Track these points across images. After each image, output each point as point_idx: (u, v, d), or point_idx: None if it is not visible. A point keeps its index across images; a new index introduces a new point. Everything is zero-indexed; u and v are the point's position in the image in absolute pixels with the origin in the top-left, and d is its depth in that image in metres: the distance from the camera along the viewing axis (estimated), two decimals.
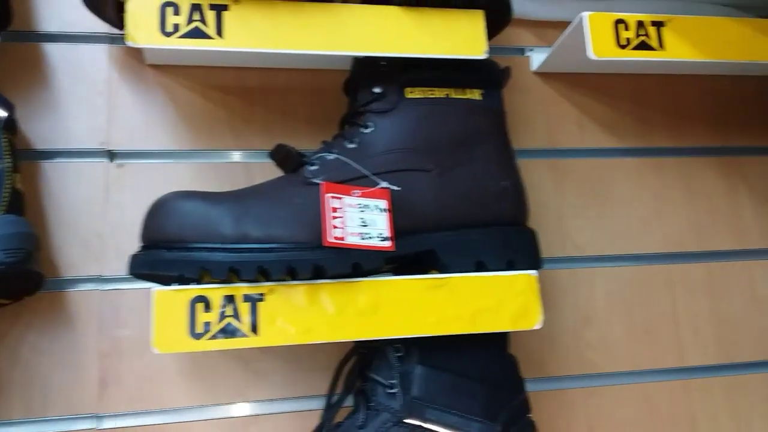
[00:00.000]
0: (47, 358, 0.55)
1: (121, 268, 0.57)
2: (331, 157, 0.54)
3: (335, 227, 0.50)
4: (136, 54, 0.61)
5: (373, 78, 0.56)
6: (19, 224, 0.48)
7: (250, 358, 0.58)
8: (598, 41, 0.60)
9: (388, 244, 0.51)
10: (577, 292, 0.67)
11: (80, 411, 0.55)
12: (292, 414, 0.58)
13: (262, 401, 0.58)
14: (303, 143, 0.59)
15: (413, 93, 0.56)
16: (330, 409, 0.54)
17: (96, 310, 0.56)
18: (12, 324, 0.55)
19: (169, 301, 0.47)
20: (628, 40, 0.61)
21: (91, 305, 0.56)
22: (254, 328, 0.48)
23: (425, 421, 0.50)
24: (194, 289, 0.47)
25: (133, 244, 0.52)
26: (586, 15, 0.61)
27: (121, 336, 0.56)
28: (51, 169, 0.58)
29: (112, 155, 0.59)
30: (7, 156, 0.49)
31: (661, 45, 0.62)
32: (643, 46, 0.62)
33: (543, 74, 0.71)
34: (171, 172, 0.60)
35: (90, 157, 0.59)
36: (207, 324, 0.47)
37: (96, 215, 0.58)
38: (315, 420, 0.56)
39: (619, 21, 0.62)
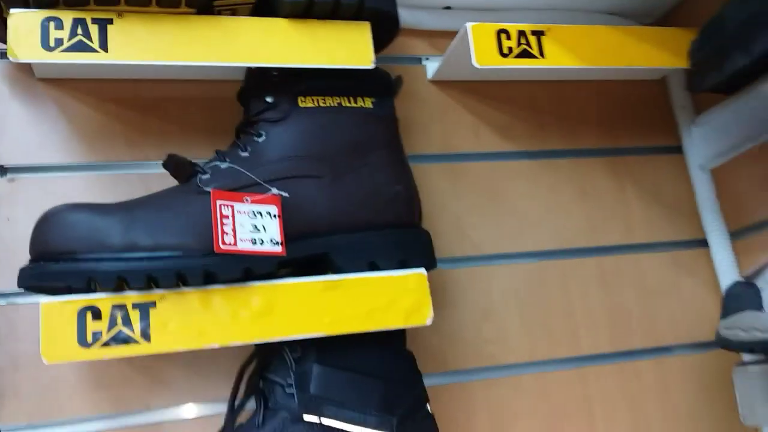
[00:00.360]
0: None
1: (15, 282, 0.56)
2: (224, 165, 0.55)
3: (226, 234, 0.51)
4: (26, 69, 0.61)
5: (265, 88, 0.58)
6: None
7: (151, 366, 0.59)
8: (480, 50, 0.64)
9: (279, 249, 0.53)
10: (476, 289, 0.70)
11: None
12: (196, 419, 0.59)
13: (166, 408, 0.59)
14: (201, 154, 0.61)
15: (305, 102, 0.58)
16: (232, 412, 0.55)
17: None
18: None
19: (57, 311, 0.47)
20: (510, 48, 0.65)
21: None
22: (146, 335, 0.49)
23: (322, 416, 0.52)
24: (82, 300, 0.48)
25: (27, 259, 0.52)
26: (469, 25, 0.64)
27: (18, 349, 0.56)
28: None
29: (3, 170, 0.59)
30: None
31: (541, 53, 0.66)
32: (525, 54, 0.65)
33: (439, 82, 0.74)
34: (66, 185, 0.60)
35: None
36: (97, 333, 0.48)
37: None
38: (220, 424, 0.57)
39: (501, 31, 0.65)
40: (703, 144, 0.76)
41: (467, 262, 0.70)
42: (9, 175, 0.59)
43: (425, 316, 0.56)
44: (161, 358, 0.59)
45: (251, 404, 0.56)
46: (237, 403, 0.56)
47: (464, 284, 0.69)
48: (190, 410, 0.59)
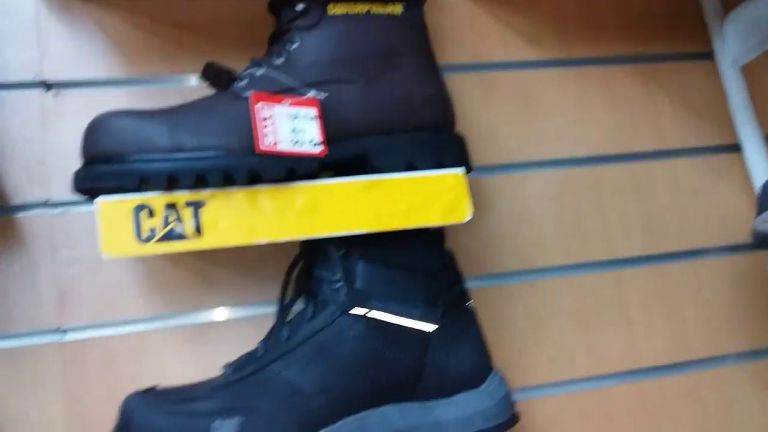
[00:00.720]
0: (5, 278, 0.58)
1: (67, 191, 0.59)
2: (260, 72, 0.56)
3: (267, 135, 0.52)
4: None
5: None
6: None
7: (203, 269, 0.62)
8: None
9: (320, 149, 0.54)
10: (511, 195, 0.71)
11: (42, 326, 0.58)
12: (246, 319, 0.61)
13: (218, 308, 0.61)
14: (235, 67, 0.62)
15: (335, 8, 0.58)
16: (282, 310, 0.57)
17: (47, 232, 0.59)
18: None
19: (114, 209, 0.49)
20: None
21: (42, 228, 0.59)
22: (198, 232, 0.50)
23: (369, 309, 0.54)
24: (137, 198, 0.50)
25: (75, 168, 0.54)
26: None
27: (75, 255, 0.59)
28: None
29: (47, 85, 0.61)
30: None
31: None
32: None
33: None
34: (107, 99, 0.61)
35: (25, 89, 0.61)
36: (152, 229, 0.49)
37: (36, 143, 0.60)
38: (269, 324, 0.60)
39: None
40: (734, 40, 0.75)
41: (502, 170, 0.71)
42: (53, 90, 0.61)
43: (464, 214, 0.57)
44: (213, 261, 0.61)
45: (300, 305, 0.58)
46: (286, 301, 0.58)
47: (499, 191, 0.70)
48: (240, 311, 0.62)
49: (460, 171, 0.58)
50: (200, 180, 0.50)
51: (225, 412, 0.48)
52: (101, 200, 0.49)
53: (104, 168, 0.50)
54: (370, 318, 0.54)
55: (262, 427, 0.49)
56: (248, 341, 0.58)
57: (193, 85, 0.63)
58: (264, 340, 0.55)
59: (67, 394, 0.57)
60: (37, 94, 0.61)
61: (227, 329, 0.61)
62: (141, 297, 0.60)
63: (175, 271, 0.61)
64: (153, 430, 0.47)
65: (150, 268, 0.60)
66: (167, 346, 0.60)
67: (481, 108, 0.72)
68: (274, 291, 0.59)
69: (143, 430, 0.47)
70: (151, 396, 0.50)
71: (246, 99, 0.54)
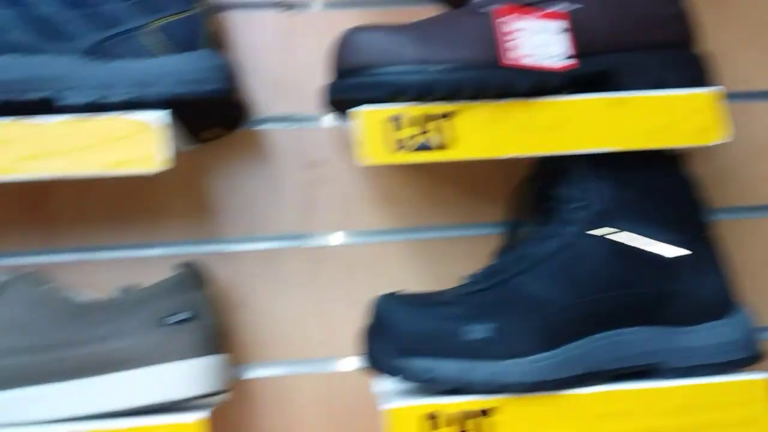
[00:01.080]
0: (253, 186, 0.62)
1: (305, 107, 0.63)
2: None
3: (511, 49, 0.51)
4: None
5: None
6: (224, 58, 0.52)
7: (433, 188, 0.63)
8: None
9: (569, 62, 0.52)
10: (750, 125, 0.65)
11: (288, 231, 0.62)
12: (473, 238, 0.62)
13: (446, 227, 0.63)
14: None
15: None
16: (513, 229, 0.57)
17: (289, 145, 0.63)
18: (223, 155, 0.62)
19: (370, 119, 0.50)
20: None
21: (284, 141, 0.63)
22: (448, 143, 0.50)
23: (613, 230, 0.52)
24: (391, 109, 0.50)
25: (316, 85, 0.56)
26: None
27: (315, 167, 0.63)
28: (232, 20, 0.63)
29: (287, 6, 0.64)
30: (200, 3, 0.53)
31: None
32: None
33: None
34: (340, 19, 0.63)
35: (267, 8, 0.64)
36: (404, 139, 0.50)
37: (279, 61, 0.63)
38: (494, 243, 0.59)
39: None
40: None
41: (738, 99, 0.65)
42: (294, 10, 0.64)
43: (717, 136, 0.53)
44: (441, 180, 0.63)
45: (528, 225, 0.57)
46: (516, 220, 0.57)
47: (738, 120, 0.65)
48: (467, 230, 0.63)
49: (715, 90, 0.54)
50: (449, 92, 0.50)
51: (474, 318, 0.49)
52: (360, 110, 0.50)
53: (356, 80, 0.51)
54: (613, 239, 0.52)
55: (511, 334, 0.49)
56: (475, 258, 0.59)
57: (424, 7, 0.63)
58: (501, 256, 0.55)
59: (311, 294, 0.61)
60: (279, 13, 0.64)
61: (455, 246, 0.62)
62: (375, 211, 0.63)
63: (405, 188, 0.63)
64: (405, 327, 0.49)
65: (383, 184, 0.63)
66: (401, 258, 0.62)
67: (714, 32, 0.66)
68: (499, 211, 0.59)
69: (395, 327, 0.49)
70: (400, 297, 0.51)
71: (488, 14, 0.53)
